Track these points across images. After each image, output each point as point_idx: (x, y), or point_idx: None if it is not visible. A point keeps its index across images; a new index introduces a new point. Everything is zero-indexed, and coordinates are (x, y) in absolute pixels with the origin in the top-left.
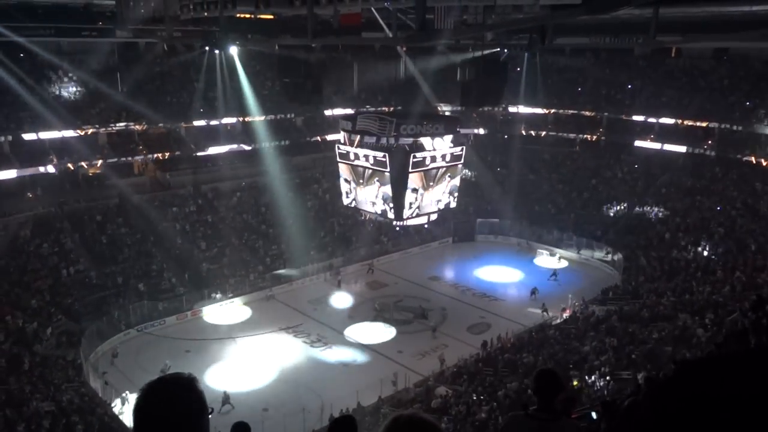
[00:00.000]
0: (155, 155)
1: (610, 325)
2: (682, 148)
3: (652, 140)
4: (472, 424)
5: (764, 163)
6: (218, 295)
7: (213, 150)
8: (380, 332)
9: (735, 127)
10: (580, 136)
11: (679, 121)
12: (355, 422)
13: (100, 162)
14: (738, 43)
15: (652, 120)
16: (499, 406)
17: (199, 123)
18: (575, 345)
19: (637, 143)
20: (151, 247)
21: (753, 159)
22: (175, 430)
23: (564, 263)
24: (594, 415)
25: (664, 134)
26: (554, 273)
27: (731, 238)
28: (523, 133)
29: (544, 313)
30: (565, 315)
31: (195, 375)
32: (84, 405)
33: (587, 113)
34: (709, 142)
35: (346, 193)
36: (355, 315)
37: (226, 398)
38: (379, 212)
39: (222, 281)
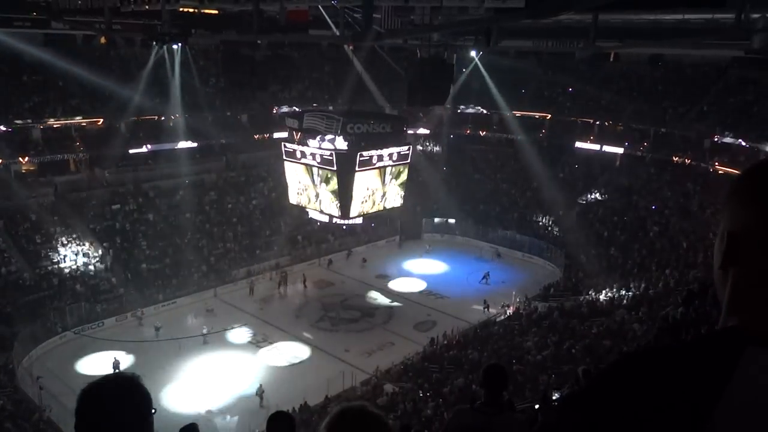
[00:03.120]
0: (92, 152)
1: (552, 320)
2: (620, 150)
3: (592, 141)
4: (418, 421)
5: (695, 165)
6: (160, 296)
7: (154, 147)
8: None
9: (668, 130)
10: (524, 137)
11: (618, 124)
12: (289, 417)
13: (32, 159)
14: (672, 50)
15: (591, 122)
16: (444, 402)
17: (140, 119)
18: (518, 341)
19: (578, 144)
20: (89, 247)
21: (686, 161)
22: (120, 430)
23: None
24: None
25: (603, 136)
26: (486, 275)
27: (665, 236)
28: (469, 132)
29: (486, 310)
30: (509, 311)
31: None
32: (17, 411)
33: (531, 114)
34: (645, 144)
35: (292, 191)
36: (301, 314)
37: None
38: (326, 211)
39: (164, 281)
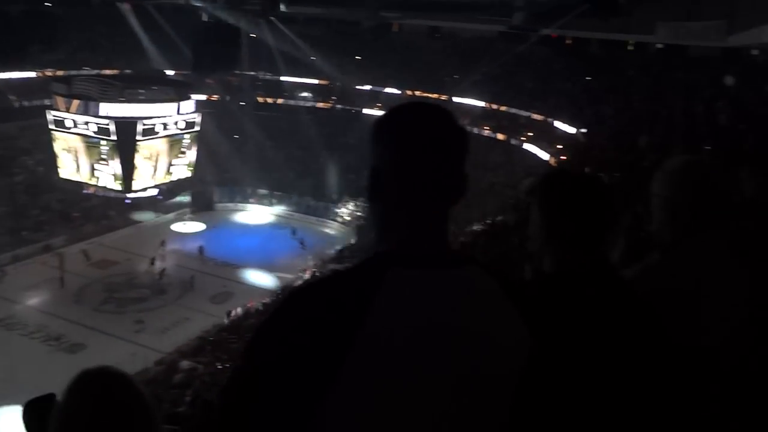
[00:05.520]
0: None
1: None
2: None
3: (379, 109)
4: (216, 393)
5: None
6: None
7: None
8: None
9: (444, 98)
10: (315, 104)
11: (403, 92)
12: (48, 397)
13: None
14: (448, 23)
15: (378, 90)
16: None
17: None
18: None
19: (366, 111)
20: None
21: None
22: None
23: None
24: None
25: (389, 104)
26: (294, 231)
27: None
28: (260, 100)
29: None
30: (306, 276)
31: None
32: None
33: (321, 82)
34: None
35: (64, 165)
36: (82, 299)
37: None
38: (105, 185)
39: None
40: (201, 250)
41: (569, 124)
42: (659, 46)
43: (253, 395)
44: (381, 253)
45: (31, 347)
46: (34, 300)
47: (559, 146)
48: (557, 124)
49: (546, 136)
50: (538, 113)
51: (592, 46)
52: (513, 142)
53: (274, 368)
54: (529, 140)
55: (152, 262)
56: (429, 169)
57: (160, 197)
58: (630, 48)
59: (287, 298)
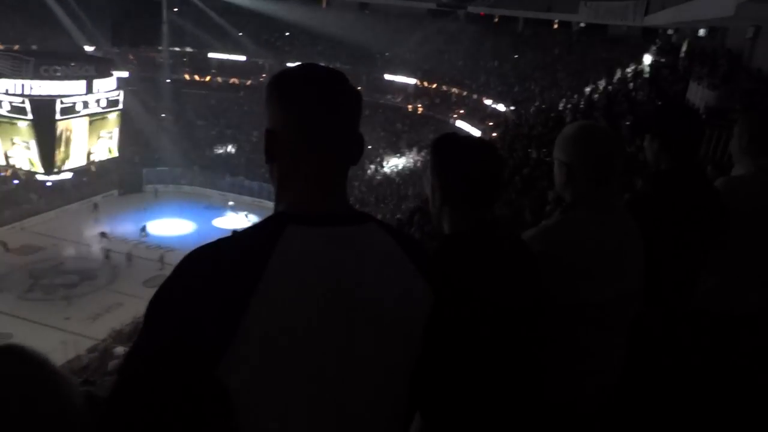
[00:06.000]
0: None
1: None
2: None
3: None
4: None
5: (403, 107)
6: None
7: None
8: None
9: (377, 75)
10: (244, 81)
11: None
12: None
13: None
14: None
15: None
16: None
17: None
18: None
19: None
20: None
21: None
22: None
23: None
24: None
25: None
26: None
27: (379, 173)
28: (187, 77)
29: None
30: None
31: None
32: None
33: (249, 59)
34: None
35: None
36: (4, 286)
37: None
38: (23, 166)
39: None
40: (143, 229)
41: (499, 102)
42: (582, 25)
43: (153, 362)
44: (279, 213)
45: None
46: None
47: (490, 123)
48: (487, 101)
49: (477, 114)
50: (468, 91)
51: (519, 24)
52: (443, 119)
53: (172, 331)
54: (461, 117)
55: (103, 235)
56: (322, 129)
57: (85, 179)
58: (555, 27)
59: (182, 260)
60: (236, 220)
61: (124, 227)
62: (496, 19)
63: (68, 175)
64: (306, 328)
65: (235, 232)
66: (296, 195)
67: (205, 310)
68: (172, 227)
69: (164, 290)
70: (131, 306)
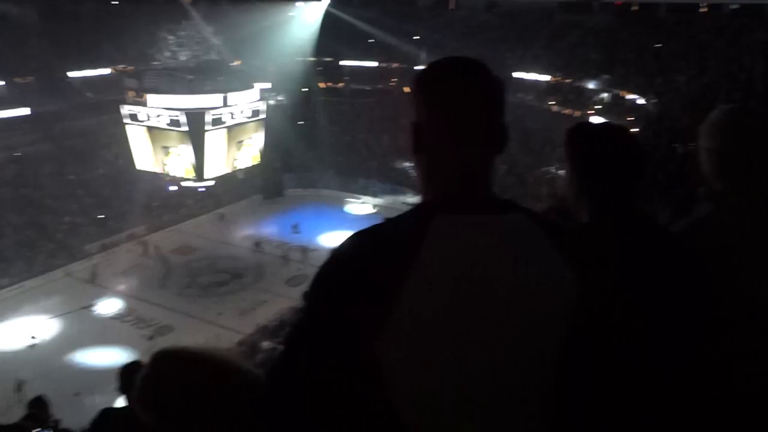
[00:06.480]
0: None
1: None
2: None
3: None
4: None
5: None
6: (5, 281)
7: None
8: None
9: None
10: (377, 86)
11: None
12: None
13: None
14: None
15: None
16: None
17: None
18: None
19: None
20: None
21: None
22: None
23: (373, 209)
24: None
25: None
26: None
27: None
28: (322, 85)
29: None
30: None
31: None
32: None
33: (380, 64)
34: None
35: (140, 156)
36: (166, 283)
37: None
38: (180, 174)
39: (5, 265)
40: (295, 227)
41: (639, 95)
42: (734, 6)
43: (314, 337)
44: (426, 202)
45: (125, 331)
46: (122, 286)
47: (629, 118)
48: (628, 96)
49: (615, 109)
50: (605, 85)
51: (660, 11)
52: (579, 115)
53: (333, 308)
54: (597, 113)
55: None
56: (466, 119)
57: (212, 184)
58: (702, 10)
59: (339, 248)
60: (372, 220)
61: (270, 229)
62: (635, 8)
63: (212, 182)
64: (451, 312)
65: (388, 220)
66: (442, 184)
67: (363, 290)
68: (312, 229)
69: (326, 270)
70: (275, 303)
